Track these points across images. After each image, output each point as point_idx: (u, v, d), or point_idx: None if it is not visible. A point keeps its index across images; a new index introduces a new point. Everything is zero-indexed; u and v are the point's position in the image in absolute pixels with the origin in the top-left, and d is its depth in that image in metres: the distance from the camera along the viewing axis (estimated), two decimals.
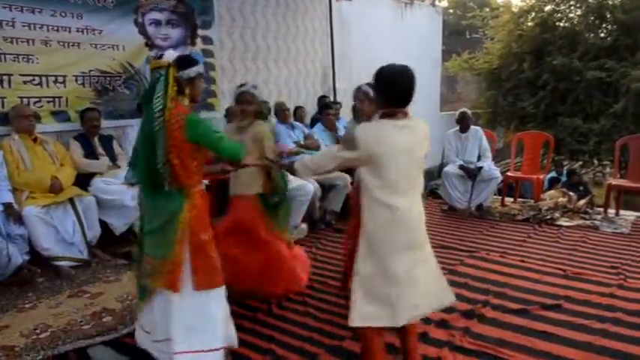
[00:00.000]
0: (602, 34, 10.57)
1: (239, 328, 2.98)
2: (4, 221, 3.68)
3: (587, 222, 5.29)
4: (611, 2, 10.21)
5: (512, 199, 6.45)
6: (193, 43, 5.86)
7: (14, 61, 4.35)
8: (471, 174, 5.68)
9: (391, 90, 2.14)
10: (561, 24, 10.87)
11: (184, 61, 2.33)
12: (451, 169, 5.80)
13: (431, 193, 6.76)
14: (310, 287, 3.54)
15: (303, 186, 4.66)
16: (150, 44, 5.39)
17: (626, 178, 5.94)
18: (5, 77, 4.30)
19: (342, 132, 5.89)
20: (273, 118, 5.37)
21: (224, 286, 2.44)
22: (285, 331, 2.96)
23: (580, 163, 10.99)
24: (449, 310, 3.09)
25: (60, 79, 4.66)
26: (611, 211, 5.69)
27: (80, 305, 3.39)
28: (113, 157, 4.68)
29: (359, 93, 3.21)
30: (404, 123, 2.14)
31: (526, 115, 10.59)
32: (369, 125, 2.21)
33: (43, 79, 4.55)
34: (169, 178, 2.26)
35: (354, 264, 2.21)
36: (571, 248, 4.44)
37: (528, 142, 6.83)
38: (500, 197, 6.35)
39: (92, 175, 4.46)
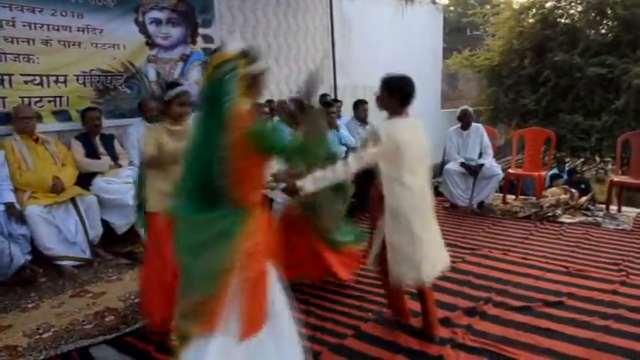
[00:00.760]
0: (603, 31, 10.51)
1: None
2: (6, 221, 3.70)
3: (589, 219, 5.28)
4: None
5: (513, 197, 6.44)
6: (194, 42, 5.86)
7: (15, 60, 4.35)
8: (473, 171, 5.68)
9: (402, 94, 2.61)
10: (562, 20, 10.82)
11: (251, 55, 1.98)
12: (452, 166, 5.79)
13: (432, 191, 6.74)
14: (312, 286, 3.54)
15: None
16: (150, 43, 5.39)
17: (628, 175, 5.94)
18: (6, 77, 4.31)
19: (343, 129, 5.89)
20: (276, 117, 5.37)
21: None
22: None
23: (582, 159, 10.97)
24: (451, 307, 3.11)
25: (61, 78, 4.67)
26: (613, 208, 5.68)
27: (83, 305, 3.40)
28: (114, 157, 4.69)
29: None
30: (408, 120, 2.65)
31: (527, 112, 10.55)
32: (389, 124, 2.64)
33: (44, 78, 4.55)
34: (229, 194, 1.88)
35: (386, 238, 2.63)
36: (573, 245, 4.44)
37: (529, 138, 6.82)
38: (501, 194, 6.34)
39: (94, 174, 4.47)
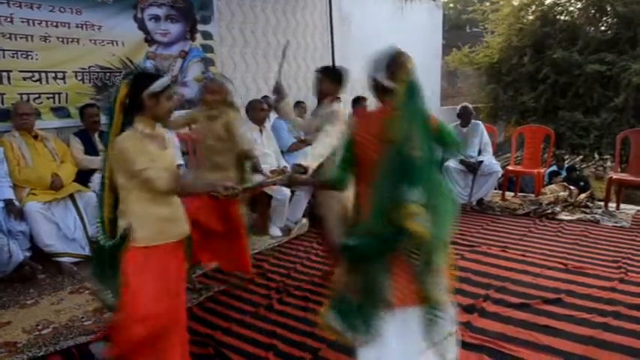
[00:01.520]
0: (603, 28, 10.52)
1: (240, 323, 3.00)
2: (5, 218, 3.69)
3: (588, 216, 5.28)
4: None
5: (512, 194, 6.45)
6: (193, 39, 5.85)
7: (13, 57, 4.34)
8: (472, 168, 5.68)
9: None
10: (562, 17, 10.83)
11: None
12: (452, 163, 5.79)
13: None
14: (311, 282, 3.55)
15: None
16: (149, 40, 5.38)
17: (627, 172, 5.94)
18: (4, 74, 4.30)
19: None
20: (272, 114, 5.38)
21: None
22: (286, 327, 2.96)
23: (581, 157, 10.98)
24: None
25: (59, 75, 4.66)
26: (612, 205, 5.68)
27: (82, 301, 3.40)
28: None
29: None
30: None
31: (526, 109, 10.56)
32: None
33: (43, 75, 4.54)
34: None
35: None
36: (572, 242, 4.44)
37: (529, 136, 6.82)
38: (500, 191, 6.35)
39: (93, 171, 4.45)
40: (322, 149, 2.87)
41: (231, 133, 3.22)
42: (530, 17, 11.01)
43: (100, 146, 4.60)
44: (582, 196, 5.87)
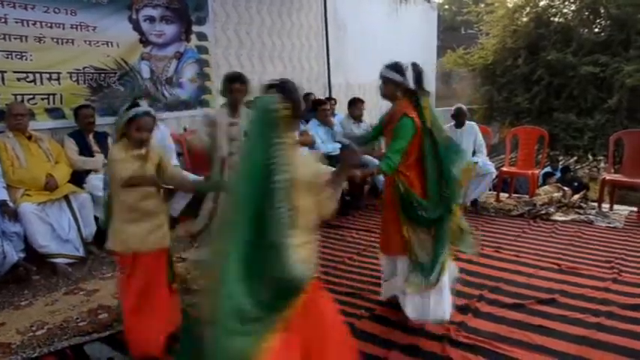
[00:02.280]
0: (596, 30, 10.58)
1: None
2: None
3: (582, 217, 5.32)
4: None
5: (507, 195, 6.47)
6: (188, 40, 5.84)
7: (7, 58, 4.32)
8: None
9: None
10: (556, 19, 10.89)
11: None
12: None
13: None
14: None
15: None
16: (144, 41, 5.37)
17: (620, 173, 5.98)
18: None
19: (337, 127, 5.89)
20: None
21: None
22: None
23: (575, 158, 11.04)
24: None
25: (54, 76, 4.64)
26: (605, 206, 5.72)
27: (76, 302, 3.39)
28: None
29: None
30: None
31: (521, 111, 10.61)
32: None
33: (37, 76, 4.52)
34: None
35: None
36: (566, 243, 4.47)
37: (523, 137, 6.85)
38: (495, 192, 6.37)
39: (87, 172, 4.45)
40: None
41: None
42: (525, 19, 11.06)
43: (94, 147, 4.60)
44: (576, 196, 5.90)
